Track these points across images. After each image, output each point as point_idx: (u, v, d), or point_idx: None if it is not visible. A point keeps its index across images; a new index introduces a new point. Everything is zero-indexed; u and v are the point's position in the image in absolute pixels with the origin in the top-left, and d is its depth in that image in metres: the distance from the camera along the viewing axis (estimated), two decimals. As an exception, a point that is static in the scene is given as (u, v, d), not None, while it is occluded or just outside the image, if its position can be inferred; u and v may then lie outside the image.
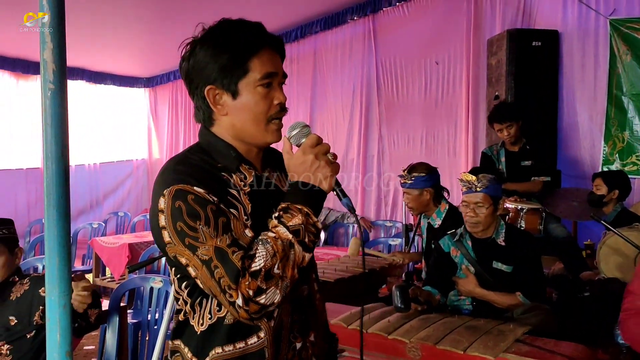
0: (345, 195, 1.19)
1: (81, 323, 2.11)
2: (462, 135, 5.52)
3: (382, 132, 6.25)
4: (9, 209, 7.35)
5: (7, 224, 2.33)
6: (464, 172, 2.68)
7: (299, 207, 1.12)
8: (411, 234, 3.88)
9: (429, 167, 3.20)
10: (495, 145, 4.32)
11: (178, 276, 1.22)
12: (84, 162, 8.25)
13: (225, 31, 1.20)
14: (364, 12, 6.09)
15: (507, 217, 3.61)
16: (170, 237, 1.11)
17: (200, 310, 1.19)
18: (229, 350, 1.16)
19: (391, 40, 6.07)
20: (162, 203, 1.12)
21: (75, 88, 7.77)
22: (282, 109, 1.22)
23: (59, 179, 1.85)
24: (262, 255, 1.06)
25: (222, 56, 1.17)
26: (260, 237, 1.10)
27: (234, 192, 1.17)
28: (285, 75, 1.24)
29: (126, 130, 8.96)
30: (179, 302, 1.24)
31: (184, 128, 8.65)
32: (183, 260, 1.12)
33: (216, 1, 5.27)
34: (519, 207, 3.68)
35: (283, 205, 1.13)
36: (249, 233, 1.12)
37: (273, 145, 1.34)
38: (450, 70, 5.62)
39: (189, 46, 1.23)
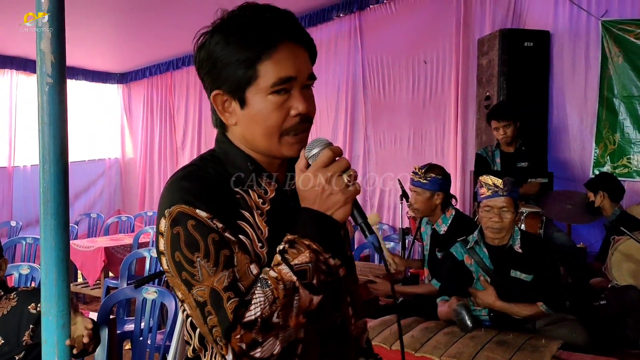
0: (371, 231, 0.97)
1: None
2: (451, 135, 5.44)
3: (368, 132, 6.12)
4: (-28, 210, 6.97)
5: (-11, 233, 2.10)
6: (486, 175, 2.55)
7: (307, 242, 0.94)
8: (408, 238, 3.75)
9: (444, 171, 3.07)
10: (490, 146, 4.24)
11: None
12: (54, 161, 7.89)
13: (236, 23, 0.99)
14: (350, 9, 5.96)
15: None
16: (168, 265, 0.97)
17: (210, 347, 1.02)
18: None
19: (378, 38, 5.95)
20: (162, 225, 0.97)
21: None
22: (303, 121, 1.01)
23: (58, 183, 1.64)
24: (260, 302, 0.90)
25: (228, 57, 0.98)
26: (261, 276, 0.93)
27: (247, 214, 1.00)
28: (312, 77, 1.03)
29: (98, 128, 8.62)
30: (186, 334, 1.07)
31: (160, 127, 8.36)
32: (179, 295, 0.97)
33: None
34: (520, 210, 3.60)
35: (290, 237, 0.96)
36: (254, 270, 0.94)
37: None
38: (438, 69, 5.53)
39: (202, 37, 1.03)
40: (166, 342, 2.70)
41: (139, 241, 5.52)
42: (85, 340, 1.73)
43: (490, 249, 2.51)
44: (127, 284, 3.76)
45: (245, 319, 0.89)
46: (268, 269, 0.94)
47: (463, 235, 2.65)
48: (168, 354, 2.52)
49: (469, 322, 2.11)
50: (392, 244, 4.40)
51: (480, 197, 2.52)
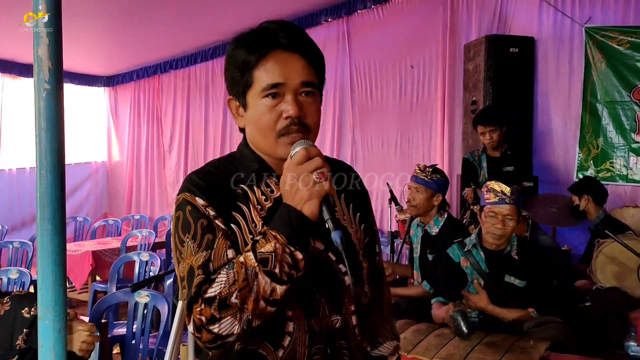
0: (337, 227, 0.99)
1: None
2: (438, 140, 5.51)
3: (356, 136, 6.17)
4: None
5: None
6: (494, 182, 2.59)
7: (274, 233, 1.00)
8: (397, 241, 3.79)
9: (446, 176, 3.17)
10: (477, 151, 4.30)
11: None
12: (39, 164, 7.83)
13: (244, 35, 1.12)
14: (338, 14, 6.01)
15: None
16: (172, 244, 1.10)
17: None
18: None
19: (366, 43, 6.01)
20: (174, 209, 1.12)
21: (30, 86, 7.36)
22: (295, 124, 1.06)
23: (55, 188, 1.66)
24: (221, 281, 0.98)
25: (229, 67, 1.12)
26: (232, 260, 1.01)
27: (244, 207, 1.10)
28: (307, 84, 1.09)
29: (84, 131, 8.56)
30: None
31: (147, 129, 8.33)
32: (177, 271, 1.08)
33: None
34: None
35: (265, 228, 1.03)
36: (230, 254, 1.04)
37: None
38: (425, 74, 5.60)
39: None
40: (158, 346, 2.70)
41: (127, 245, 5.50)
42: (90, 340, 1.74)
43: (487, 253, 2.55)
44: (117, 288, 3.75)
45: (207, 295, 0.98)
46: (240, 255, 1.02)
47: (454, 238, 2.69)
48: (160, 357, 2.53)
49: (464, 329, 2.15)
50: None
51: (485, 201, 2.55)
